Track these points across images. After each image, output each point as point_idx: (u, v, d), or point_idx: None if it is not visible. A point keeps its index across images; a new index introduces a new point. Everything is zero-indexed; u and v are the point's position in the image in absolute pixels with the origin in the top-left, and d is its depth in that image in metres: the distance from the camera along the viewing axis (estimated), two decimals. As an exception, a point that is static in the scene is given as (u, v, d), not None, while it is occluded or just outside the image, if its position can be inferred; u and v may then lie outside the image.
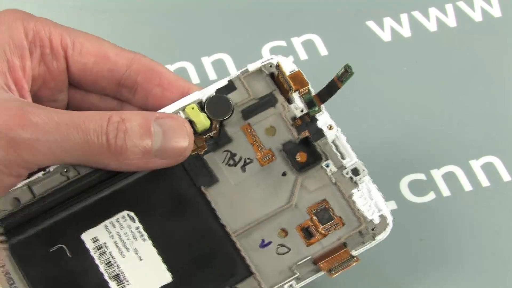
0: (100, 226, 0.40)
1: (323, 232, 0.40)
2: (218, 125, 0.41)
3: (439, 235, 0.50)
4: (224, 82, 0.42)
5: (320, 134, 0.41)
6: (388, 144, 0.54)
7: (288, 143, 0.41)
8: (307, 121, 0.42)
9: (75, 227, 0.40)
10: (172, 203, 0.40)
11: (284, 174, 0.41)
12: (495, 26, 0.59)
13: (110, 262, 0.39)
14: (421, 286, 0.48)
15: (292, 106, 0.42)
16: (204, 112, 0.41)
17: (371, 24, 0.59)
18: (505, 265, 0.49)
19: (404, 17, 0.59)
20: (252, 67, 0.42)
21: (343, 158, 0.41)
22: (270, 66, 0.42)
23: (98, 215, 0.40)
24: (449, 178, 0.52)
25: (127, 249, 0.40)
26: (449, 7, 0.60)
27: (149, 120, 0.40)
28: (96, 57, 0.44)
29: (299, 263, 0.40)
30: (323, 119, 0.42)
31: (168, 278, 0.39)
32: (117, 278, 0.39)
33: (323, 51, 0.58)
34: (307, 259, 0.40)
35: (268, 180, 0.41)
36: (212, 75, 0.57)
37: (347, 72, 0.40)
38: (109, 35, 0.58)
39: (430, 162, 0.53)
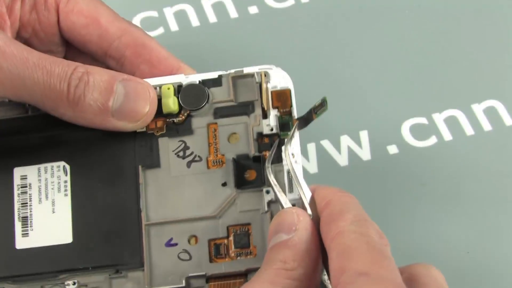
0: (34, 167, 0.40)
1: (232, 255, 0.39)
2: (186, 114, 0.41)
3: (440, 179, 0.50)
4: (214, 75, 0.41)
5: (279, 159, 0.39)
6: (390, 87, 0.53)
7: (242, 156, 0.40)
8: (273, 142, 0.40)
9: (13, 159, 0.40)
10: (109, 170, 0.40)
11: (224, 184, 0.40)
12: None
13: (26, 203, 0.40)
14: (421, 229, 0.48)
15: (264, 121, 0.40)
16: (177, 97, 0.41)
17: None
18: (507, 209, 0.49)
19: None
20: (247, 70, 0.41)
21: (290, 191, 0.39)
22: (265, 75, 0.41)
23: (38, 155, 0.40)
24: (451, 122, 0.52)
25: (46, 197, 0.40)
26: None
27: (114, 78, 0.39)
28: (87, 19, 0.43)
29: (192, 275, 0.38)
30: (291, 145, 0.39)
31: (68, 239, 0.39)
32: (24, 220, 0.40)
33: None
34: (201, 274, 0.38)
35: (207, 184, 0.40)
36: (212, 18, 0.56)
37: (322, 106, 0.38)
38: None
39: (431, 106, 0.53)
